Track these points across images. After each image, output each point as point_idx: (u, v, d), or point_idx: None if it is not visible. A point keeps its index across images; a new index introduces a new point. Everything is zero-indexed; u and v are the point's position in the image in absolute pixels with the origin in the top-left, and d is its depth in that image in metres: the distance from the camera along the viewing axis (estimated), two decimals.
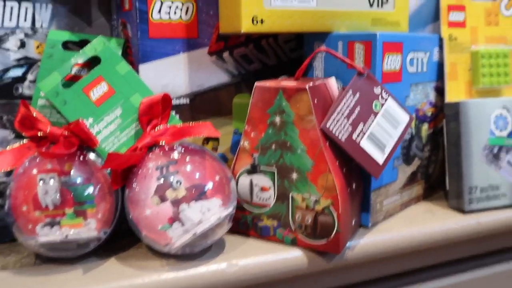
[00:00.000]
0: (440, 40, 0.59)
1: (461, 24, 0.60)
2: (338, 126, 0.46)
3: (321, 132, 0.45)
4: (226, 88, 0.57)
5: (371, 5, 0.55)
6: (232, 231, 0.52)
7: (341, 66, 0.52)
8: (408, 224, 0.54)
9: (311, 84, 0.46)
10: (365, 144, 0.46)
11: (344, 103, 0.46)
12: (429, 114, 0.60)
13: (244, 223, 0.51)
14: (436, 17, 0.61)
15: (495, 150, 0.57)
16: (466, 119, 0.56)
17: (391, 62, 0.52)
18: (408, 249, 0.52)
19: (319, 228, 0.47)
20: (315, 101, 0.46)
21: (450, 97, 0.59)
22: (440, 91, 0.60)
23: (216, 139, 0.57)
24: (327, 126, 0.45)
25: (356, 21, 0.54)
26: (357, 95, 0.46)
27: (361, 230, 0.52)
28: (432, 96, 0.59)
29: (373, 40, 0.50)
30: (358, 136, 0.46)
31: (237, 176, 0.51)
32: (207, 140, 0.57)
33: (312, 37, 0.55)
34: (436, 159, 0.63)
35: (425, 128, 0.59)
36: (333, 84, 0.50)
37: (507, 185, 0.58)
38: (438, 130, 0.62)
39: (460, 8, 0.60)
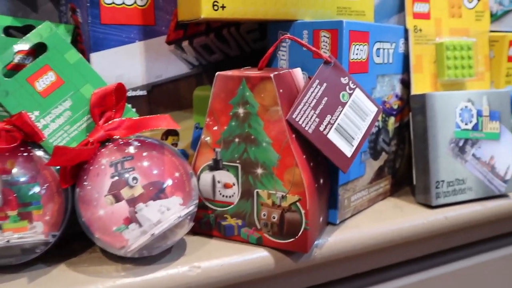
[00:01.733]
0: (406, 31, 0.58)
1: (426, 16, 0.59)
2: (305, 117, 0.43)
3: (287, 124, 0.43)
4: (186, 79, 0.53)
5: None
6: (194, 231, 0.49)
7: (306, 56, 0.50)
8: (376, 220, 0.53)
9: (276, 72, 0.44)
10: (333, 136, 0.44)
11: (311, 93, 0.43)
12: (395, 107, 0.58)
13: (206, 222, 0.48)
14: (401, 8, 0.59)
15: (461, 143, 0.57)
16: (432, 112, 0.55)
17: (358, 52, 0.50)
18: (377, 246, 0.50)
19: (286, 226, 0.44)
20: (280, 91, 0.43)
21: (416, 89, 0.58)
22: (406, 83, 0.59)
23: (176, 134, 0.54)
24: (294, 117, 0.42)
25: (321, 9, 0.52)
26: (324, 85, 0.44)
27: (329, 228, 0.50)
28: (398, 88, 0.58)
29: (339, 28, 0.48)
30: (325, 128, 0.44)
31: (198, 173, 0.48)
32: (166, 135, 0.53)
33: (276, 26, 0.53)
34: (403, 154, 0.62)
35: (391, 122, 0.58)
36: (298, 74, 0.48)
37: (473, 178, 0.57)
38: (404, 124, 0.61)
39: None
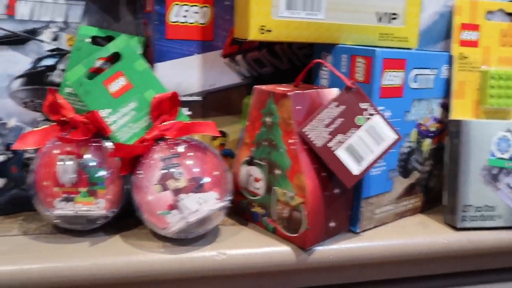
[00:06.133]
0: (450, 57, 0.63)
1: (474, 43, 0.64)
2: (316, 132, 0.53)
3: (299, 136, 0.53)
4: (238, 88, 0.64)
5: (379, 20, 0.60)
6: (235, 213, 0.62)
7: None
8: (396, 234, 0.60)
9: (297, 91, 0.54)
10: (341, 154, 0.53)
11: (326, 113, 0.53)
12: (433, 129, 0.64)
13: (241, 207, 0.62)
14: (448, 34, 0.65)
15: (494, 172, 0.62)
16: (467, 138, 0.61)
17: (392, 78, 0.57)
18: (391, 258, 0.58)
19: (291, 222, 0.55)
20: (297, 108, 0.53)
21: (455, 114, 0.64)
22: (447, 107, 0.65)
23: (225, 136, 0.65)
24: (304, 130, 0.53)
25: (363, 35, 0.60)
26: (342, 107, 0.53)
27: (348, 235, 0.59)
28: (437, 112, 0.64)
29: (373, 56, 0.56)
30: (335, 145, 0.53)
31: (239, 166, 0.60)
32: (216, 136, 0.64)
33: (320, 47, 0.62)
34: (439, 174, 0.68)
35: (427, 143, 0.64)
36: (331, 94, 0.56)
37: (504, 207, 0.62)
38: (443, 146, 0.67)
39: (474, 27, 0.64)
